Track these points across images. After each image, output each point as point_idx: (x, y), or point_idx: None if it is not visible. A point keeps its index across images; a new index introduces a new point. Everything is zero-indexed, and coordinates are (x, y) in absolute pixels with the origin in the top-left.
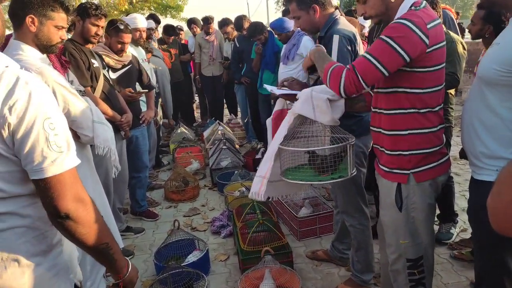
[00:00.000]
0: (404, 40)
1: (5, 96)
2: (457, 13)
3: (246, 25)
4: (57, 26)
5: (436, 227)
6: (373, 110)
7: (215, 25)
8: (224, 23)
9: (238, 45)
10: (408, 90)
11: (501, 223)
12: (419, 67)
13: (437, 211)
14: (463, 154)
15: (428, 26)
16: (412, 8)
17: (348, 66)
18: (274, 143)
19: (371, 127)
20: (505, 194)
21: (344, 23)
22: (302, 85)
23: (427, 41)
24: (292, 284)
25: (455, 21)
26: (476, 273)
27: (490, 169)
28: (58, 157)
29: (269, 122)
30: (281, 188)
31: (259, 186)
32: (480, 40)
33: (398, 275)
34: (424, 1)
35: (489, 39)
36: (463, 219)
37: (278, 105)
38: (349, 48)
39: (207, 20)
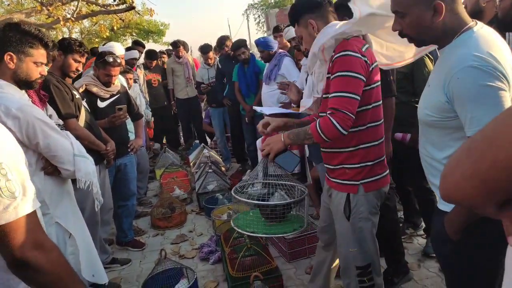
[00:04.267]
0: (355, 66)
1: None
2: None
3: (228, 44)
4: (36, 62)
5: (423, 241)
6: None
7: (196, 52)
8: (206, 49)
9: (220, 66)
10: (359, 108)
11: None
12: (366, 85)
13: (423, 225)
14: None
15: (363, 49)
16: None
17: (327, 112)
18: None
19: (321, 149)
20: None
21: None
22: (300, 91)
23: (368, 61)
24: None
25: None
26: None
27: None
28: (11, 204)
29: (259, 142)
30: None
31: None
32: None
33: (350, 282)
34: None
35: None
36: None
37: None
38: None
39: (176, 44)
